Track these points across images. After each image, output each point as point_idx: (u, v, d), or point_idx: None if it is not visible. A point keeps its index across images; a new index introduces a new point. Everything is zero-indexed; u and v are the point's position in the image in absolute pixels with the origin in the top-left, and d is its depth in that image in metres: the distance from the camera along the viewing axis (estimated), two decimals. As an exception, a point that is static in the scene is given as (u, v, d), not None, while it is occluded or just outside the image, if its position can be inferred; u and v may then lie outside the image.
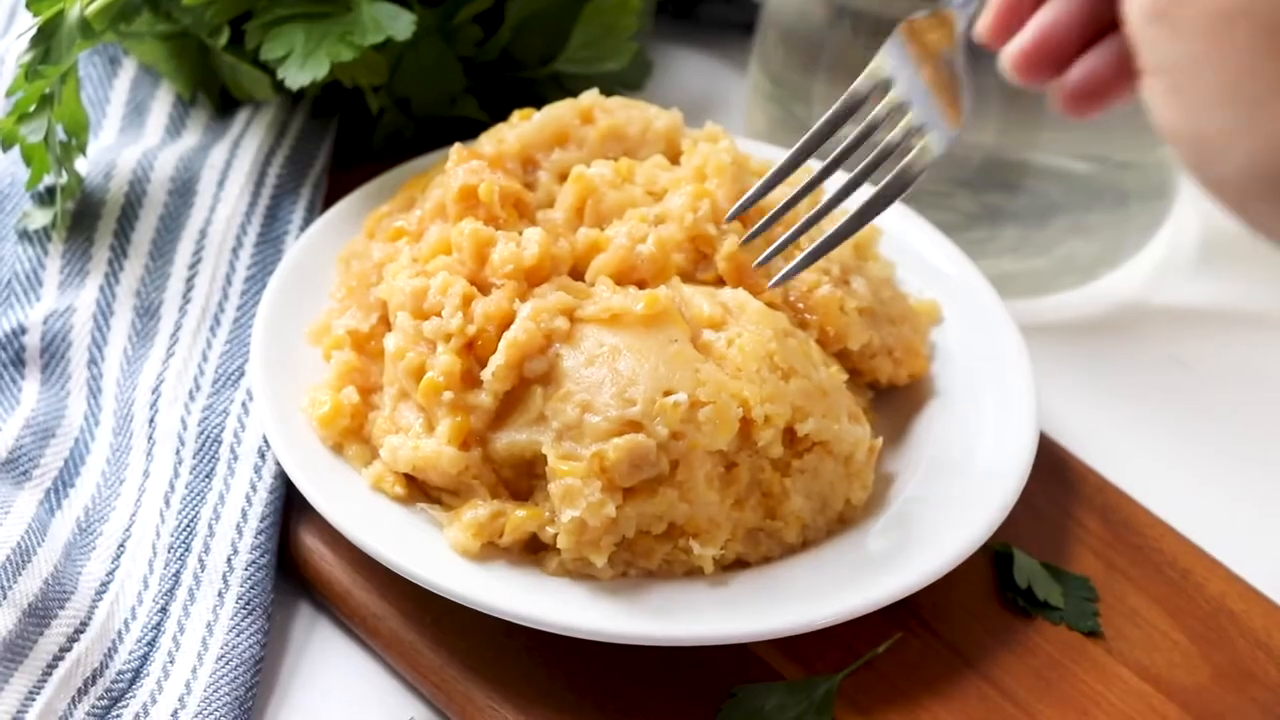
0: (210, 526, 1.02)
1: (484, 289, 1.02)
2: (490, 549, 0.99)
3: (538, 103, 1.14)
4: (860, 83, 0.97)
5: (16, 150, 1.13)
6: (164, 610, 1.00)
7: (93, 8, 1.12)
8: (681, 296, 1.01)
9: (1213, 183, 0.75)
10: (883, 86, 0.97)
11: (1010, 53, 0.83)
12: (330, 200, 1.21)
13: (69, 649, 0.97)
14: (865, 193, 0.98)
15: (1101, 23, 0.82)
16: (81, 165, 1.18)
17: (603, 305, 0.99)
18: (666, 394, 0.95)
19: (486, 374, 0.99)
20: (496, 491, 1.00)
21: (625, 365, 0.96)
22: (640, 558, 0.99)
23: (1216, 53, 0.72)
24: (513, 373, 0.98)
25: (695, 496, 0.97)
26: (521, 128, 1.10)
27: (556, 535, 0.97)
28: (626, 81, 1.31)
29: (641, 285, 1.03)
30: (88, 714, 0.96)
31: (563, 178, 1.09)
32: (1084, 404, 1.17)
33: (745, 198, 1.02)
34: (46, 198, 1.16)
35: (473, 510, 0.99)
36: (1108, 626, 1.03)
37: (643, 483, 0.96)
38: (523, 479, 1.00)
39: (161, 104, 1.25)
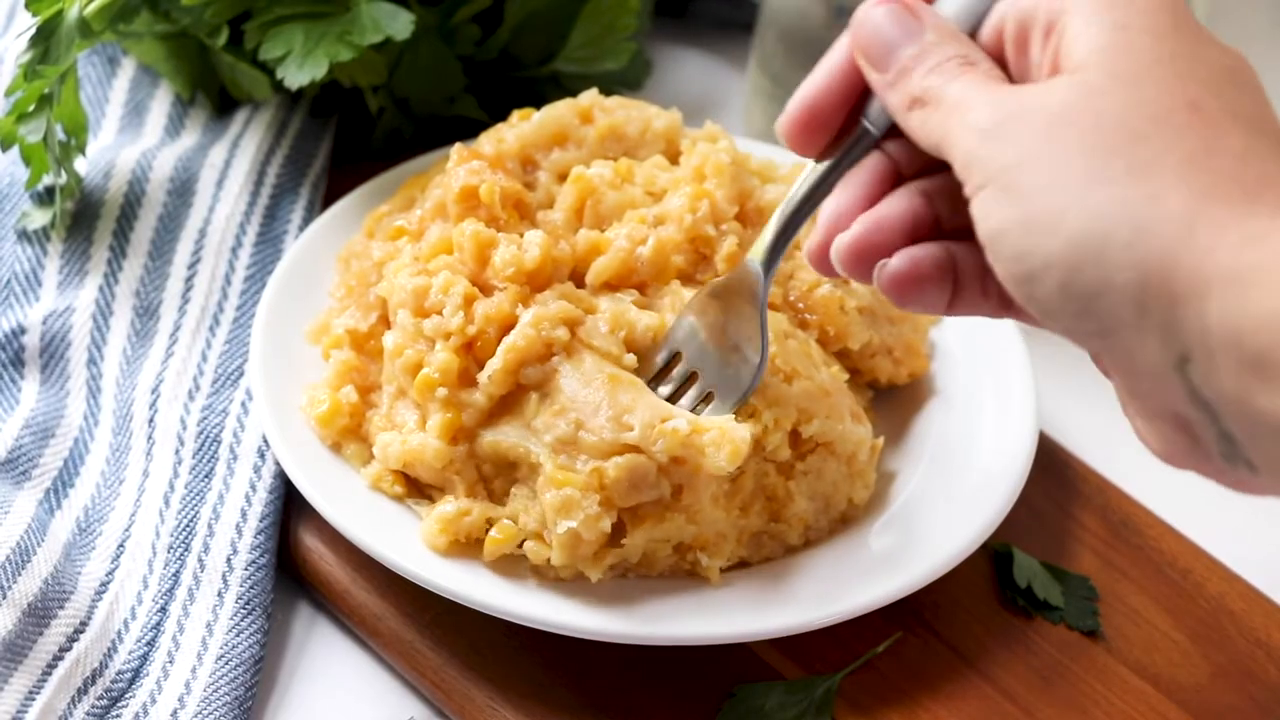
0: (210, 526, 1.02)
1: (485, 290, 1.02)
2: (481, 548, 0.99)
3: (537, 102, 1.14)
4: (657, 356, 1.00)
5: (15, 150, 1.13)
6: (164, 610, 1.00)
7: (92, 8, 1.12)
8: (682, 300, 1.01)
9: (1037, 269, 0.74)
10: (676, 356, 0.99)
11: (838, 247, 0.84)
12: (329, 200, 1.21)
13: (69, 649, 0.97)
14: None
15: (921, 224, 0.83)
16: (80, 165, 1.18)
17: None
18: (664, 420, 0.95)
19: (483, 377, 0.99)
20: (473, 490, 0.99)
21: (625, 395, 0.96)
22: (642, 567, 0.98)
23: (1050, 150, 0.74)
24: (509, 378, 0.98)
25: (702, 517, 0.97)
26: (521, 127, 1.10)
27: (535, 549, 0.97)
28: (626, 81, 1.31)
29: (642, 288, 1.03)
30: (87, 714, 0.96)
31: (562, 178, 1.09)
32: (1084, 404, 1.17)
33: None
34: (45, 198, 1.16)
35: (442, 505, 0.99)
36: (1107, 626, 1.03)
37: (650, 509, 0.96)
38: (501, 478, 1.00)
39: (160, 104, 1.25)
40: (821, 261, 0.86)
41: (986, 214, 0.76)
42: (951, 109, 0.79)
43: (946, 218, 0.84)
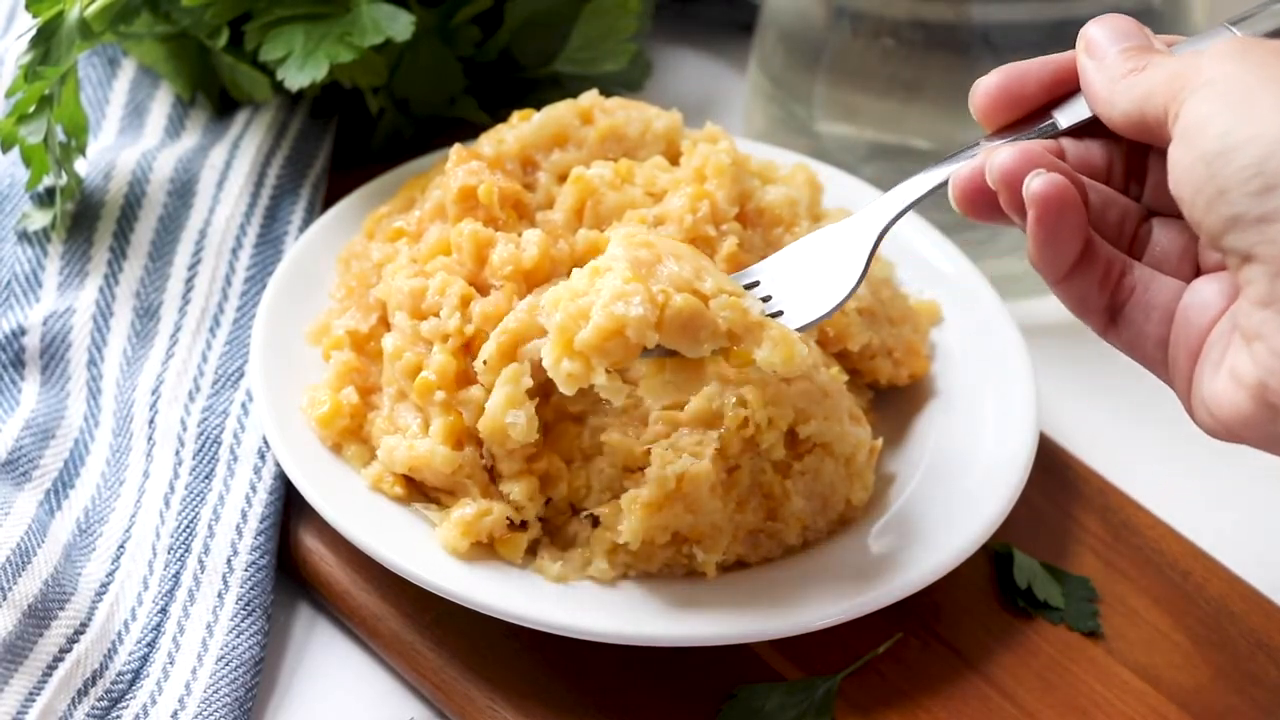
0: (210, 527, 1.02)
1: (483, 290, 1.02)
2: (487, 550, 0.99)
3: (537, 103, 1.14)
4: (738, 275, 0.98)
5: (16, 151, 1.13)
6: (164, 611, 1.00)
7: (92, 9, 1.12)
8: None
9: (1239, 142, 0.76)
10: (754, 285, 0.97)
11: (994, 161, 0.84)
12: (330, 201, 1.21)
13: (69, 650, 0.97)
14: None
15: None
16: (81, 166, 1.18)
17: None
18: (736, 295, 0.93)
19: (478, 364, 0.98)
20: (488, 491, 1.00)
21: (704, 261, 0.95)
22: (641, 561, 0.99)
23: None
24: (504, 361, 0.98)
25: (700, 506, 0.97)
26: (521, 128, 1.10)
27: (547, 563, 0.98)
28: (626, 82, 1.31)
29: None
30: (88, 715, 0.96)
31: (562, 178, 1.09)
32: (1084, 404, 1.17)
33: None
34: (46, 199, 1.16)
35: (461, 509, 0.99)
36: (1108, 627, 1.03)
37: (652, 501, 0.96)
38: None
39: (161, 105, 1.25)
40: (970, 181, 0.86)
41: (1200, 101, 0.78)
42: (1173, 61, 0.81)
43: (1095, 211, 0.86)
